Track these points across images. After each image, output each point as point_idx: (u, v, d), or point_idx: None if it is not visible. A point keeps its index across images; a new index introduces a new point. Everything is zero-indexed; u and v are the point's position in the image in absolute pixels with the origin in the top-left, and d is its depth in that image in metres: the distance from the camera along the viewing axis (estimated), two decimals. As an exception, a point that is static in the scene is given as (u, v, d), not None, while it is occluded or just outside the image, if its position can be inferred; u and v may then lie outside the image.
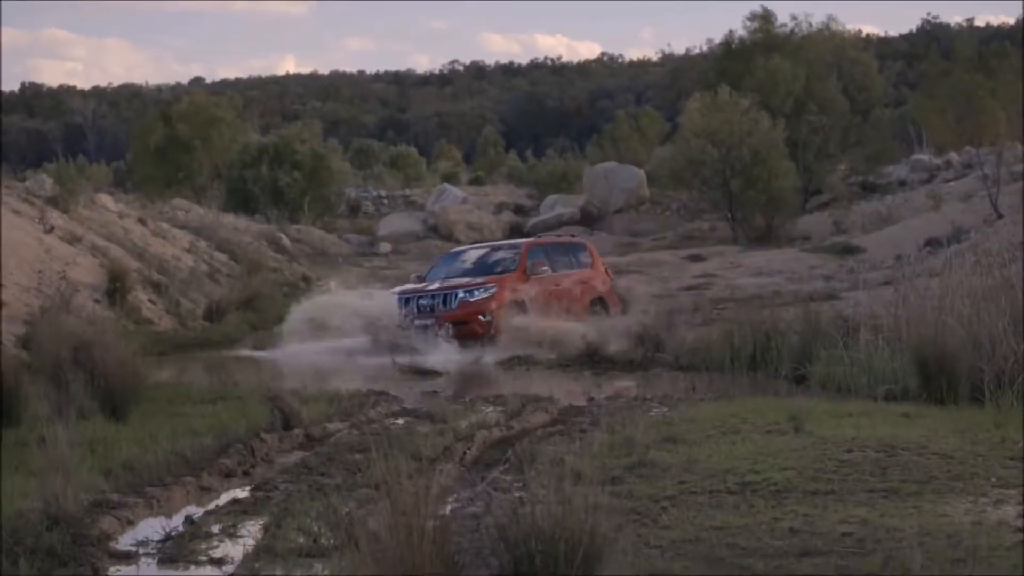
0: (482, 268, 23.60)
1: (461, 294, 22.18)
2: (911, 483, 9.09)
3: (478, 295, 22.19)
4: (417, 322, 21.75)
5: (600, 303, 23.94)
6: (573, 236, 27.06)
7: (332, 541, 7.95)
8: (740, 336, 16.98)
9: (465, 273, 23.39)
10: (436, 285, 22.72)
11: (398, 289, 23.29)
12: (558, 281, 23.46)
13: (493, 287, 22.29)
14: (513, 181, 67.95)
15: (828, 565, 7.10)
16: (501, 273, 23.09)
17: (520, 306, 22.29)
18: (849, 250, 35.79)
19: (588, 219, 52.25)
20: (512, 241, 27.31)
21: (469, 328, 21.65)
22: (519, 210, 55.38)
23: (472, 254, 24.89)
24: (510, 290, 22.44)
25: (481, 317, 21.80)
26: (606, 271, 25.35)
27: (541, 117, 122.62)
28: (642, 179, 54.45)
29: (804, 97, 49.69)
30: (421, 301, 22.16)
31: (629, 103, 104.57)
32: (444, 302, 22.09)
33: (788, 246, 39.58)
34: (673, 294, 29.27)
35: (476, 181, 70.68)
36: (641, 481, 9.44)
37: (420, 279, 23.83)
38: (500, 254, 24.31)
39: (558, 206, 53.64)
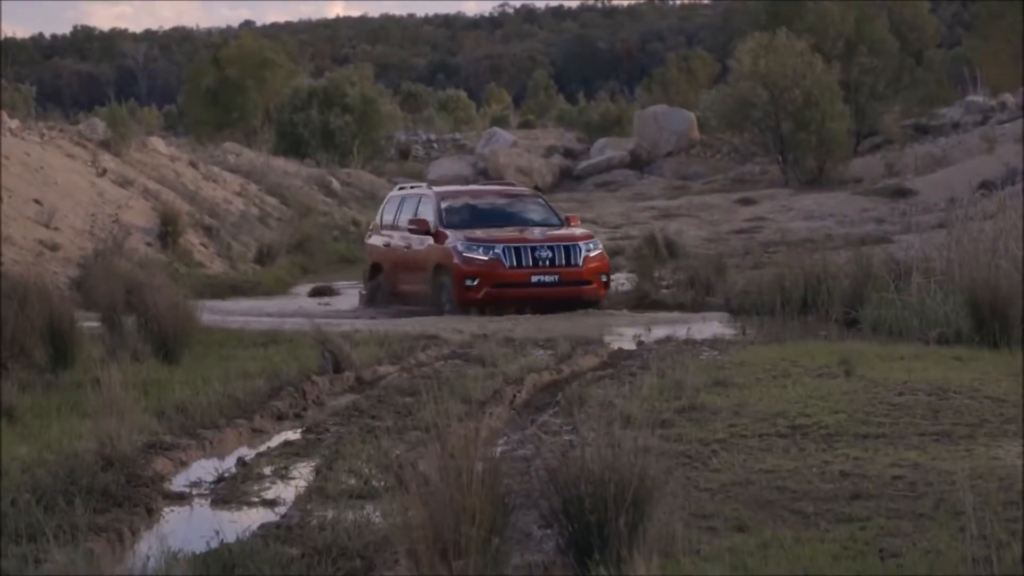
0: (510, 216, 19.66)
1: (583, 247, 18.57)
2: (963, 426, 9.07)
3: (595, 249, 18.81)
4: (535, 278, 18.30)
5: None
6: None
7: (382, 483, 8.02)
8: (791, 279, 16.88)
9: (491, 223, 19.23)
10: (537, 235, 18.76)
11: (491, 239, 18.59)
12: None
13: (598, 241, 19.32)
14: (563, 124, 67.58)
15: (879, 508, 7.10)
16: (548, 225, 19.38)
17: None
18: (901, 193, 35.46)
19: (638, 162, 52.08)
20: (502, 187, 22.25)
21: (592, 290, 18.61)
22: (569, 153, 55.15)
23: (480, 199, 20.38)
24: None
25: (603, 277, 18.79)
26: None
27: (591, 60, 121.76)
28: (692, 122, 54.13)
29: (855, 39, 49.16)
30: (539, 253, 18.35)
31: (680, 45, 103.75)
32: (567, 256, 18.42)
33: (840, 189, 39.26)
34: (724, 237, 29.17)
35: (526, 124, 70.34)
36: (691, 424, 9.45)
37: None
38: (518, 203, 20.26)
39: (608, 149, 53.39)
